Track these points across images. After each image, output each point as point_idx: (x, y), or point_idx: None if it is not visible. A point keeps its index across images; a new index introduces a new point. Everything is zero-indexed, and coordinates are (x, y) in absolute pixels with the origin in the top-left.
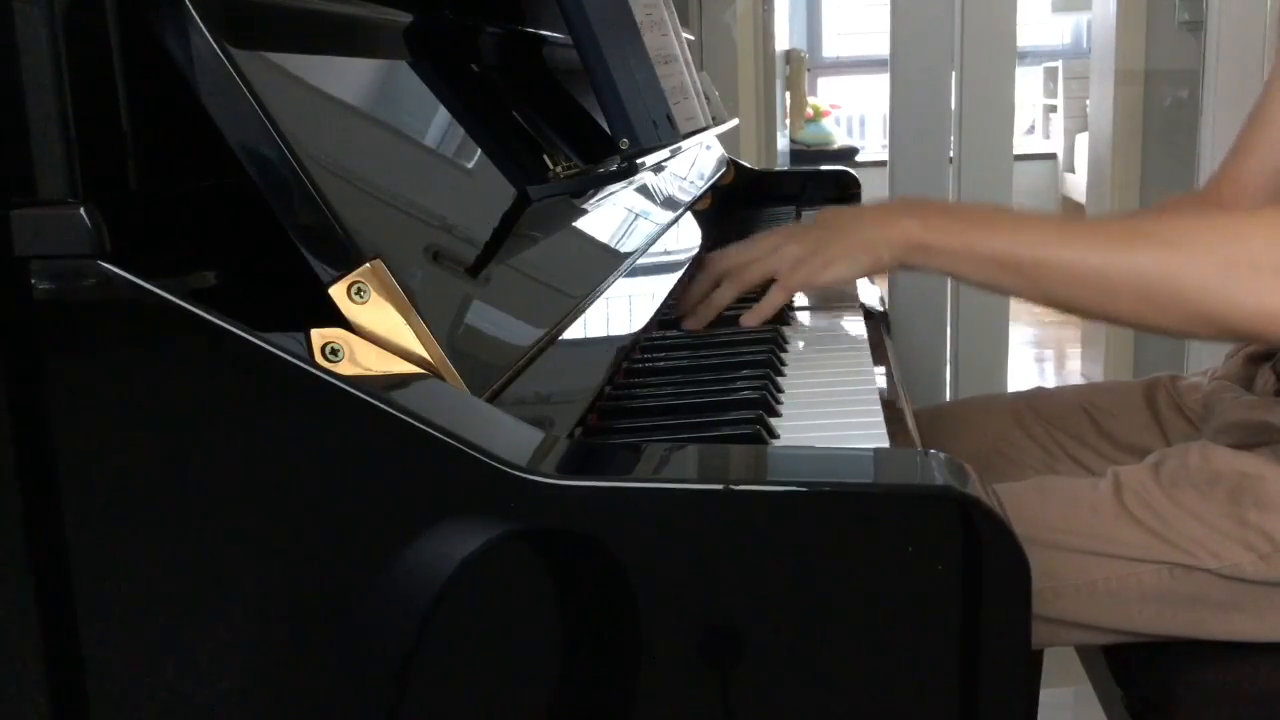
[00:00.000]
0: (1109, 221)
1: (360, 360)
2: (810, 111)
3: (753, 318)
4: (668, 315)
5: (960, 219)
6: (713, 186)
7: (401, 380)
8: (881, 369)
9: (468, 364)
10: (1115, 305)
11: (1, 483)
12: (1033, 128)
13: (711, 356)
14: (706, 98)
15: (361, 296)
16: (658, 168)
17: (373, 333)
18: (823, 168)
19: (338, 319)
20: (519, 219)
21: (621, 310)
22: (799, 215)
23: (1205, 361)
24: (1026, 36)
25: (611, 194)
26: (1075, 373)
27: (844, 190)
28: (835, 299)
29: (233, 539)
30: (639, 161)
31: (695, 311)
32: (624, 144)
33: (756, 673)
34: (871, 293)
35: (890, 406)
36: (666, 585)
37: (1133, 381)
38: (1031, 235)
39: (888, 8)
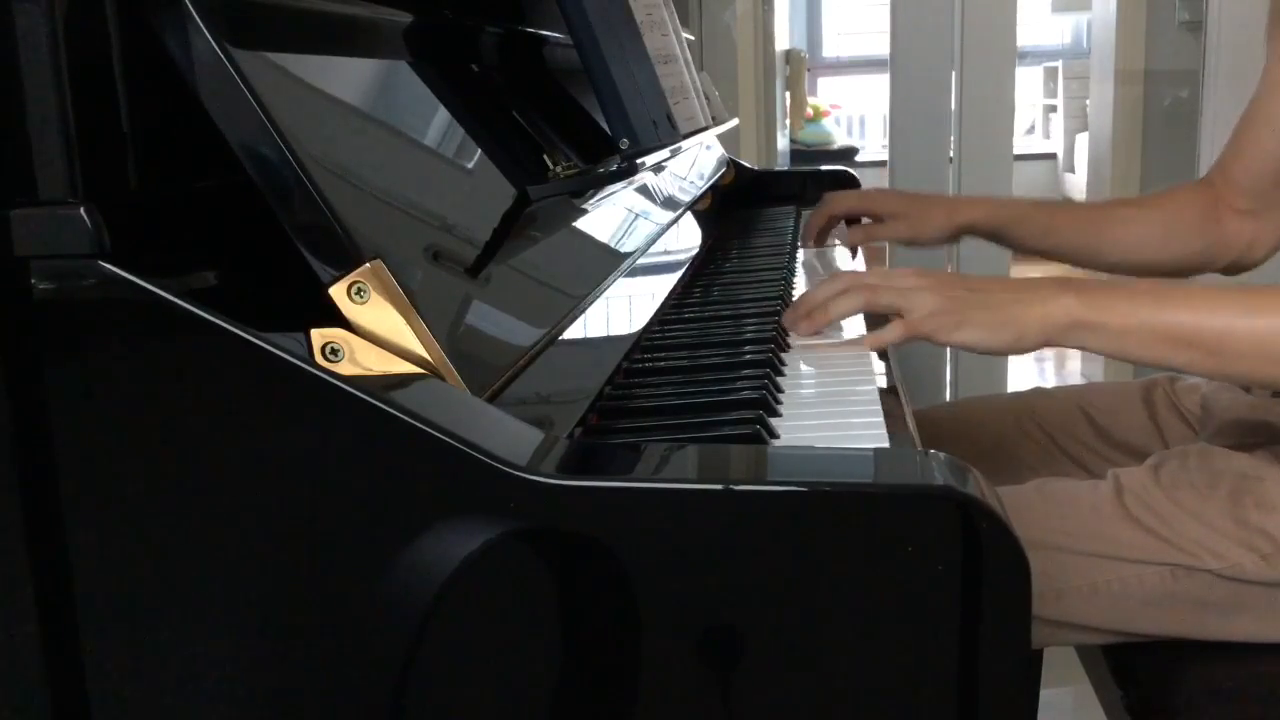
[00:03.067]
0: (1265, 288)
1: (360, 360)
2: (810, 111)
3: (871, 342)
4: (669, 315)
5: (1125, 294)
6: (713, 186)
7: (401, 380)
8: (881, 369)
9: (468, 364)
10: None
11: (2, 482)
12: (1033, 128)
13: (711, 356)
14: (706, 98)
15: (361, 296)
16: (658, 168)
17: (373, 333)
18: (823, 168)
19: (338, 319)
20: (519, 219)
21: (621, 310)
22: (799, 215)
23: None
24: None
25: (611, 194)
26: (1075, 373)
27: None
28: None
29: (233, 539)
30: (639, 161)
31: (812, 315)
32: (624, 144)
33: (757, 672)
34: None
35: (890, 406)
36: (667, 585)
37: (1131, 382)
38: (1208, 306)
39: (888, 8)
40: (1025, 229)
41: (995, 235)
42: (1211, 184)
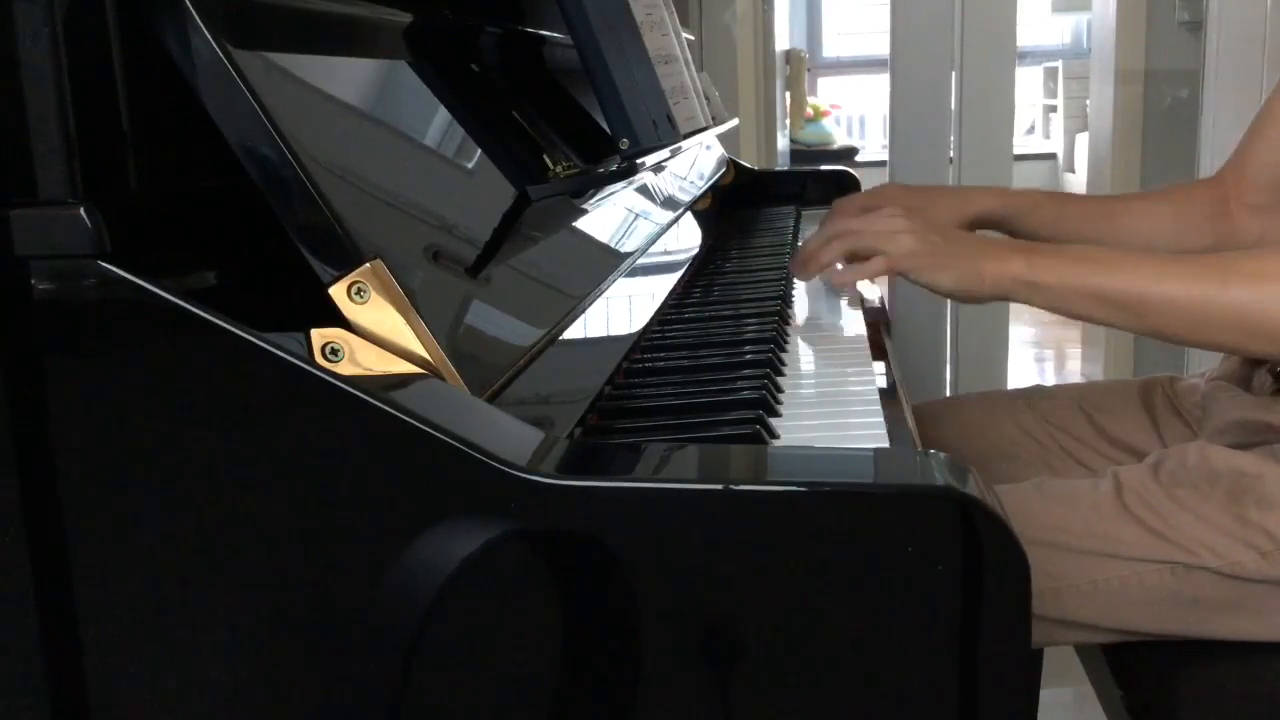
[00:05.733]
0: (1203, 258)
1: (360, 360)
2: (810, 111)
3: (848, 274)
4: (669, 315)
5: (1065, 258)
6: (713, 186)
7: (401, 380)
8: (881, 369)
9: (468, 364)
10: (1218, 337)
11: (2, 482)
12: (1033, 128)
13: (711, 356)
14: (706, 98)
15: (361, 296)
16: (658, 168)
17: (373, 333)
18: (823, 168)
19: (338, 319)
20: (519, 219)
21: (621, 310)
22: (799, 215)
23: (1204, 363)
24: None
25: (611, 194)
26: (1075, 372)
27: (844, 190)
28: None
29: (233, 539)
30: (639, 161)
31: (806, 262)
32: (624, 144)
33: (756, 672)
34: (871, 293)
35: (890, 406)
36: (667, 585)
37: (1130, 381)
38: (1133, 272)
39: (888, 8)
40: (1036, 218)
41: (1005, 225)
42: (1222, 180)
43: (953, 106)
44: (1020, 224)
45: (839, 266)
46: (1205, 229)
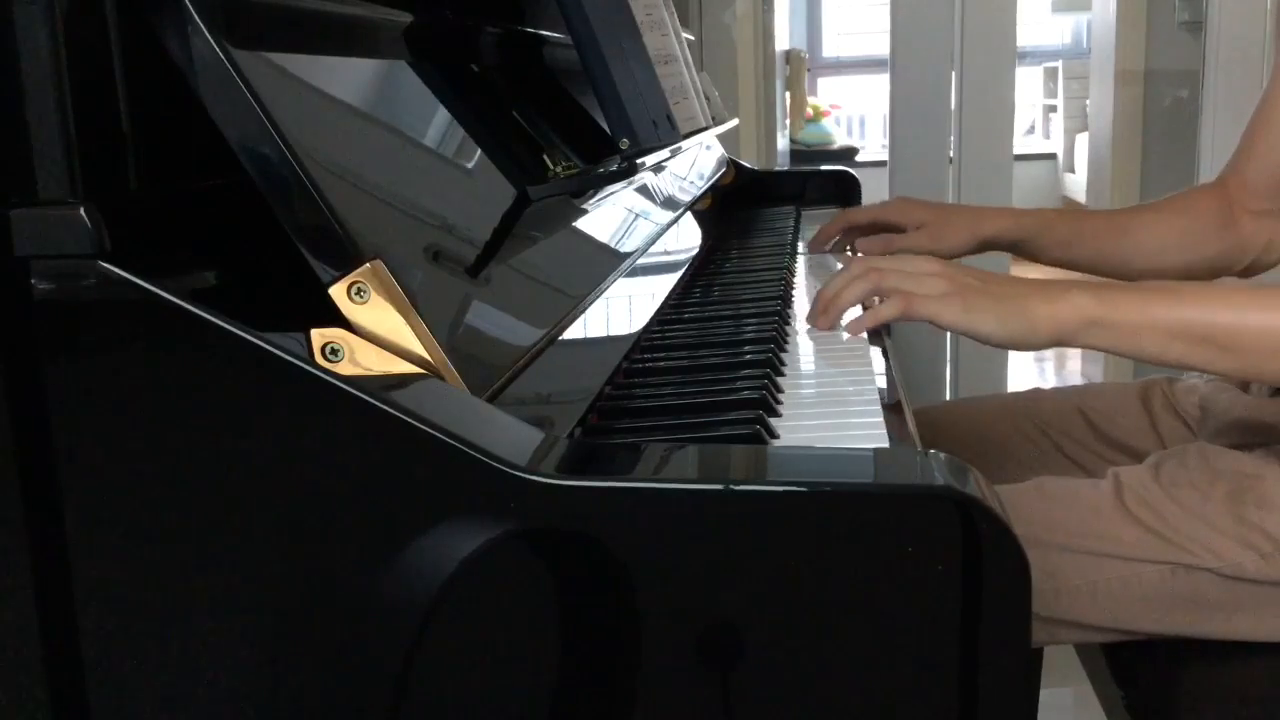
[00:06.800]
0: (1272, 288)
1: (360, 360)
2: (810, 111)
3: (865, 321)
4: (669, 315)
5: (1137, 291)
6: (713, 186)
7: (401, 380)
8: (881, 369)
9: (468, 364)
10: None
11: (2, 482)
12: (1033, 128)
13: (711, 356)
14: (706, 98)
15: (361, 296)
16: (658, 168)
17: (373, 333)
18: (823, 168)
19: (338, 319)
20: (519, 219)
21: (621, 310)
22: (799, 215)
23: None
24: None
25: (611, 194)
26: (1075, 373)
27: (844, 190)
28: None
29: (233, 539)
30: (639, 161)
31: (827, 308)
32: (624, 144)
33: (756, 672)
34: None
35: (890, 406)
36: (666, 585)
37: (1129, 383)
38: (1220, 303)
39: (888, 8)
40: (1049, 239)
41: (1018, 246)
42: (1225, 186)
43: (953, 106)
44: (1034, 244)
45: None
46: (1213, 237)
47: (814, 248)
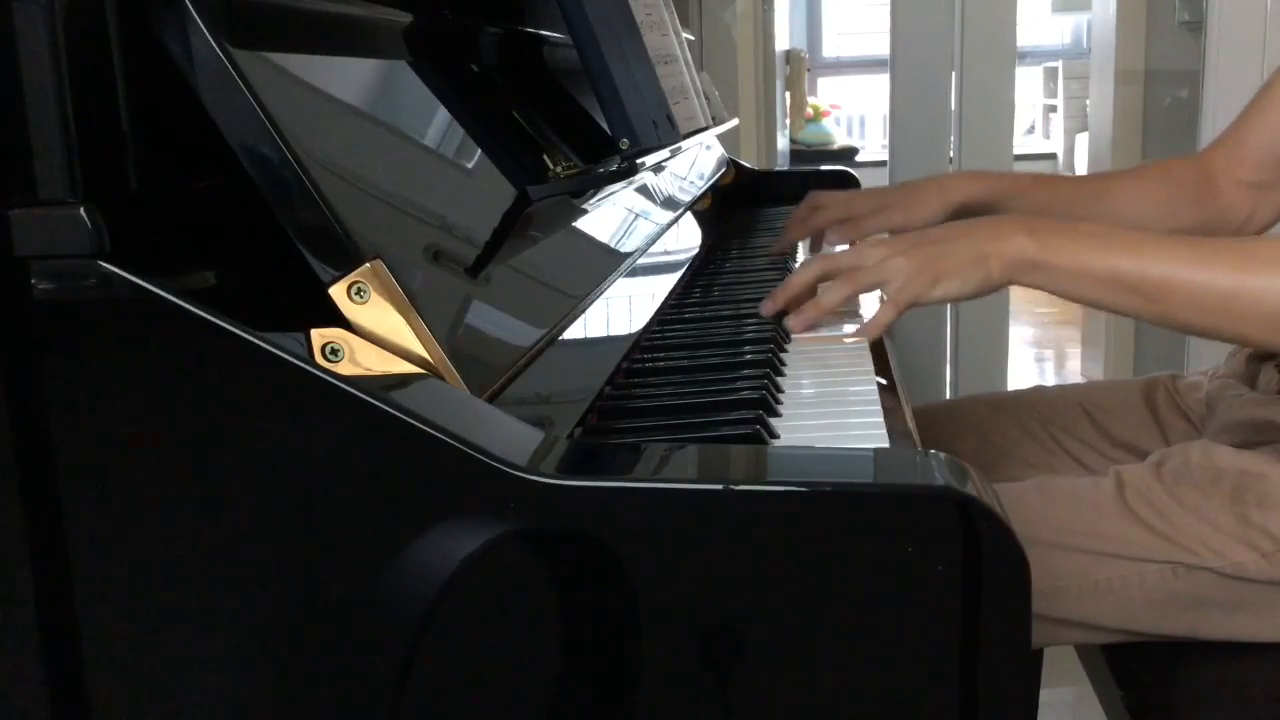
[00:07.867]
0: (1224, 242)
1: (360, 360)
2: (810, 111)
3: (863, 334)
4: (669, 315)
5: (1076, 236)
6: (713, 186)
7: (401, 380)
8: (881, 369)
9: (468, 364)
10: (1243, 328)
11: (2, 482)
12: (1033, 128)
13: (711, 356)
14: (706, 98)
15: (361, 296)
16: (658, 168)
17: (373, 333)
18: (823, 168)
19: (338, 319)
20: (519, 219)
21: (621, 310)
22: None
23: (1205, 361)
24: (1026, 36)
25: (611, 194)
26: (1075, 372)
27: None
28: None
29: (233, 539)
30: (639, 161)
31: (803, 311)
32: (624, 144)
33: (756, 672)
34: (872, 293)
35: (890, 406)
36: (666, 585)
37: (1132, 381)
38: (1153, 255)
39: (888, 8)
40: (1024, 203)
41: (991, 210)
42: (1210, 158)
43: (953, 106)
44: (1007, 209)
45: (847, 328)
46: (1192, 205)
47: (779, 247)
